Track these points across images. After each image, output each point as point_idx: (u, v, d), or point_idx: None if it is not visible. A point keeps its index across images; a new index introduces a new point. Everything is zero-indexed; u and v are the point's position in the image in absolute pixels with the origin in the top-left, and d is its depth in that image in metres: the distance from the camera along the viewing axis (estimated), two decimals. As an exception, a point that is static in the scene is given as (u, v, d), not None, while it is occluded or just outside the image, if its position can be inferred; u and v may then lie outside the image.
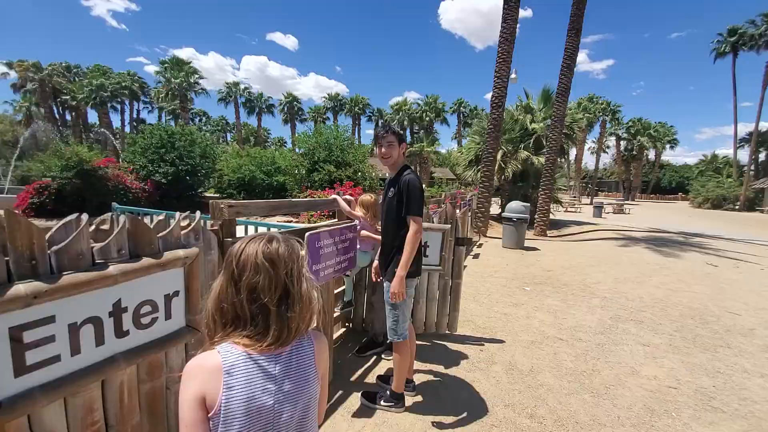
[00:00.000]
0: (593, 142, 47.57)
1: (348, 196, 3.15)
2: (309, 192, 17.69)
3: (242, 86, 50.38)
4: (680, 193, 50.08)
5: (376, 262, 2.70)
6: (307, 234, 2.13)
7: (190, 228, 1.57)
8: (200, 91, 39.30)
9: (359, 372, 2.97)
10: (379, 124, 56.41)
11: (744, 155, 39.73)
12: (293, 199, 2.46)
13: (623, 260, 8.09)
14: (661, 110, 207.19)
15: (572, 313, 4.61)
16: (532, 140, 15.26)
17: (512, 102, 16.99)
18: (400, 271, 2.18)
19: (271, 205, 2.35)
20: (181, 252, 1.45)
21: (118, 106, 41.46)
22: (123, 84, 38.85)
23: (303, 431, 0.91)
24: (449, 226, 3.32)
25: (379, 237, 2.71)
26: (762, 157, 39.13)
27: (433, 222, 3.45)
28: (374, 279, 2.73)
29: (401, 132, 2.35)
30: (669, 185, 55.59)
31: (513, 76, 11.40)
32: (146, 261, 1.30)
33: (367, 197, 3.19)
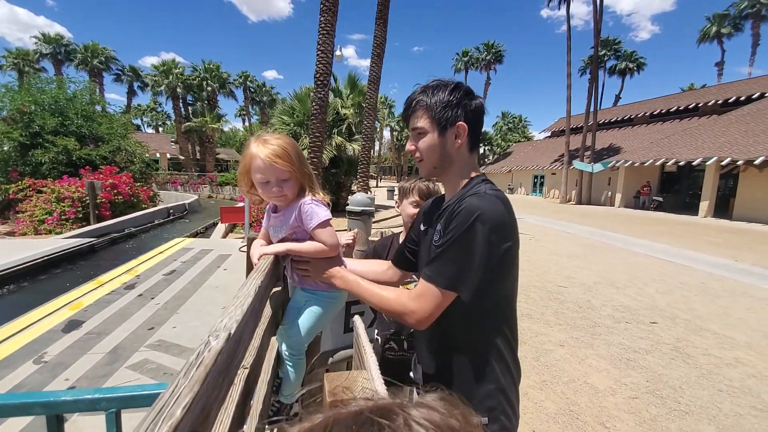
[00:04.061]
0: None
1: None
2: (29, 182, 11.05)
3: None
4: (431, 177, 64.63)
5: None
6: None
7: None
8: None
9: None
10: (133, 86, 42.83)
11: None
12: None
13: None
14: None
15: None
16: (344, 126, 15.03)
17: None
18: None
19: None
20: None
21: None
22: None
23: None
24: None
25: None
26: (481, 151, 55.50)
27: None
28: None
29: (443, 94, 0.98)
30: (423, 170, 71.06)
31: (338, 53, 10.45)
32: None
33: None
